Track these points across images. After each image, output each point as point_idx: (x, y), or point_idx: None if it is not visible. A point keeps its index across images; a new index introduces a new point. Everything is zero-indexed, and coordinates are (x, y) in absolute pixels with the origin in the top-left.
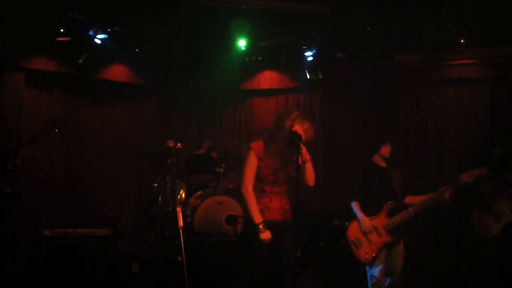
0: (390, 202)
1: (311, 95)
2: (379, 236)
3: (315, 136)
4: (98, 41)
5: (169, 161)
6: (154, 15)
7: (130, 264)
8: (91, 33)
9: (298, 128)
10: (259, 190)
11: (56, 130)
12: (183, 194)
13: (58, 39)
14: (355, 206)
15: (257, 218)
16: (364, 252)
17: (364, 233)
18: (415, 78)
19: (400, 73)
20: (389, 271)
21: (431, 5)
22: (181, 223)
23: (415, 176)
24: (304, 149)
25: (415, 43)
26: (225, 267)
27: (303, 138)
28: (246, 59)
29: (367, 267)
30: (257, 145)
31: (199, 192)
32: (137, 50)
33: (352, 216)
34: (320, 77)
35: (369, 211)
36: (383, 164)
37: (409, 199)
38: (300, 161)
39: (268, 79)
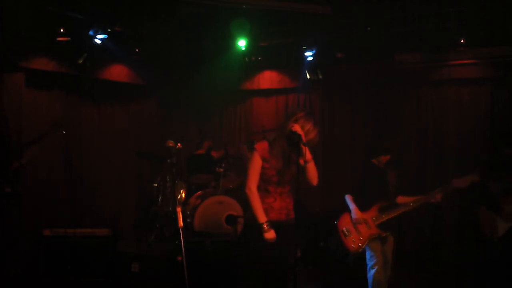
0: (382, 199)
1: (311, 95)
2: (368, 228)
3: (319, 137)
4: (98, 41)
5: (169, 161)
6: (154, 15)
7: (130, 264)
8: (91, 33)
9: (297, 128)
10: (263, 190)
11: (64, 132)
12: (183, 194)
13: (58, 39)
14: (348, 198)
15: (262, 217)
16: (352, 241)
17: (354, 224)
18: (415, 78)
19: (400, 73)
20: (387, 266)
21: (431, 5)
22: (181, 223)
23: (415, 176)
24: (305, 149)
25: (415, 43)
26: (225, 267)
27: (303, 138)
28: (246, 59)
29: (368, 267)
30: (261, 146)
31: (199, 192)
32: (137, 50)
33: (345, 208)
34: (320, 77)
35: (362, 206)
36: (381, 165)
37: (400, 199)
38: (302, 162)
39: (268, 79)
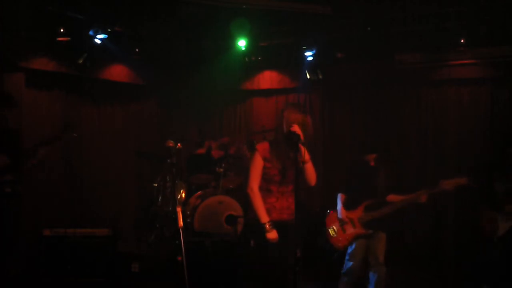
0: (369, 199)
1: (311, 95)
2: (354, 228)
3: (312, 127)
4: (98, 41)
5: (169, 161)
6: (154, 15)
7: (130, 264)
8: (91, 33)
9: (296, 128)
10: (265, 190)
11: (75, 135)
12: (183, 194)
13: (58, 39)
14: (339, 198)
15: (264, 217)
16: (338, 239)
17: (341, 223)
18: (415, 78)
19: (400, 73)
20: (375, 263)
21: (431, 5)
22: (181, 223)
23: (415, 176)
24: (303, 149)
25: (415, 43)
26: (225, 267)
27: (302, 137)
28: (246, 59)
29: (346, 260)
30: (262, 146)
31: (199, 192)
32: (137, 50)
33: (335, 207)
34: (320, 77)
35: (350, 204)
36: (372, 163)
37: (391, 197)
38: (300, 162)
39: (268, 79)
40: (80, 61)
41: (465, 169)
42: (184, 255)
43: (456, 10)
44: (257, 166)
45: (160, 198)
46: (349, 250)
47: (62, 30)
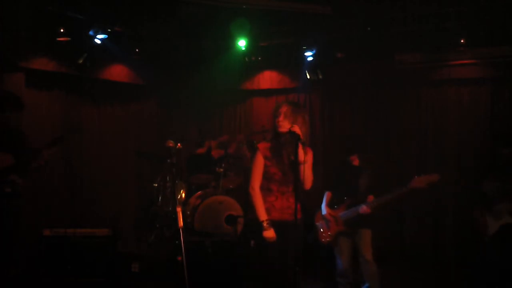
0: (351, 197)
1: (311, 95)
2: (336, 225)
3: (308, 125)
4: (98, 41)
5: (169, 161)
6: (154, 15)
7: (130, 264)
8: (91, 33)
9: (296, 128)
10: (266, 189)
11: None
12: (183, 194)
13: (58, 39)
14: (325, 196)
15: (262, 215)
16: (323, 236)
17: (325, 220)
18: (415, 78)
19: (400, 73)
20: (362, 261)
21: (431, 5)
22: (181, 223)
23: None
24: (301, 150)
25: (415, 43)
26: (225, 267)
27: (302, 137)
28: (246, 59)
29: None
30: (263, 145)
31: (199, 192)
32: (137, 50)
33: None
34: (320, 77)
35: (334, 202)
36: (355, 162)
37: (370, 198)
38: (299, 162)
39: (268, 79)
40: (80, 61)
41: (465, 169)
42: (184, 255)
43: (456, 10)
44: (258, 165)
45: (160, 198)
46: (335, 247)
47: (62, 30)
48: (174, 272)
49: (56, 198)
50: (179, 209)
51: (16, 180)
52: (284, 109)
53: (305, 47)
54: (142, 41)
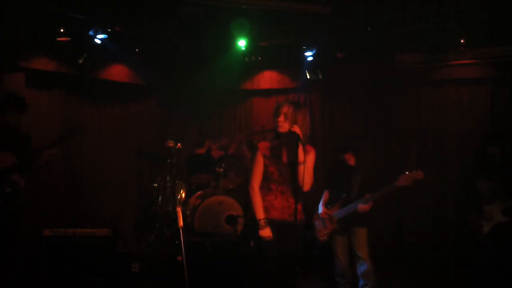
0: (345, 196)
1: (311, 95)
2: (331, 223)
3: (308, 124)
4: (98, 41)
5: (169, 161)
6: (154, 15)
7: (130, 264)
8: (91, 33)
9: (296, 128)
10: (266, 188)
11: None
12: (183, 194)
13: (58, 39)
14: (323, 195)
15: (259, 214)
16: (320, 234)
17: (322, 219)
18: (415, 78)
19: (400, 73)
20: (356, 258)
21: (431, 5)
22: (181, 223)
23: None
24: (300, 150)
25: (415, 43)
26: (225, 267)
27: (301, 137)
28: (246, 59)
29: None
30: (263, 144)
31: (199, 192)
32: (137, 50)
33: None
34: (320, 77)
35: (330, 201)
36: (352, 162)
37: (367, 196)
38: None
39: (268, 79)
40: (80, 61)
41: (465, 169)
42: (184, 255)
43: (456, 10)
44: (258, 164)
45: (160, 198)
46: (334, 248)
47: (62, 30)
48: (174, 272)
49: (56, 198)
50: (179, 209)
51: (17, 180)
52: (285, 109)
53: (305, 47)
54: (142, 41)
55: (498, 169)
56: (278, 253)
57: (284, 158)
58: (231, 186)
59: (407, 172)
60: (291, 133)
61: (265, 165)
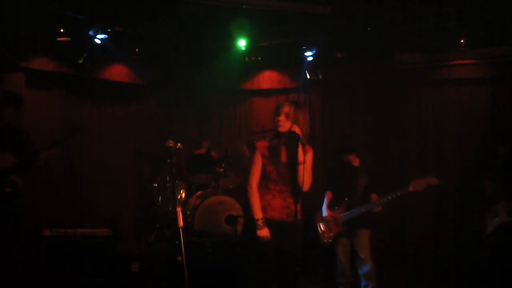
0: (350, 197)
1: (311, 95)
2: (337, 225)
3: (309, 130)
4: (98, 41)
5: (169, 161)
6: (154, 15)
7: (130, 264)
8: (91, 33)
9: (296, 128)
10: (264, 187)
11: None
12: (183, 194)
13: (58, 39)
14: (326, 196)
15: (257, 213)
16: (323, 236)
17: (326, 221)
18: (415, 78)
19: (400, 73)
20: (358, 260)
21: (431, 5)
22: (181, 223)
23: (415, 176)
24: (300, 151)
25: (415, 43)
26: (225, 267)
27: (301, 137)
28: (246, 59)
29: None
30: (262, 144)
31: (199, 192)
32: (137, 50)
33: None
34: (320, 77)
35: (334, 203)
36: (356, 163)
37: (373, 196)
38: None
39: (268, 79)
40: (80, 61)
41: (465, 169)
42: (184, 255)
43: (456, 10)
44: (256, 163)
45: (160, 198)
46: (333, 247)
47: (62, 30)
48: (174, 272)
49: (56, 198)
50: (179, 209)
51: (16, 180)
52: (286, 109)
53: (305, 47)
54: (142, 41)
55: (505, 169)
56: (277, 253)
57: (283, 158)
58: (231, 186)
59: (420, 177)
60: (291, 133)
61: (263, 165)
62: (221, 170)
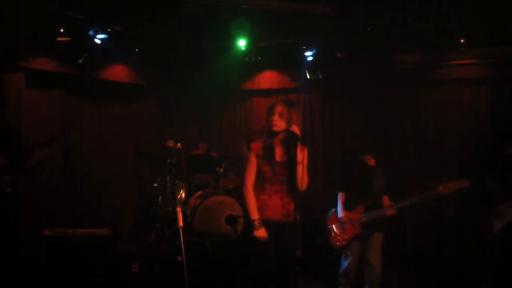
0: (367, 198)
1: (311, 95)
2: (353, 228)
3: (299, 120)
4: (98, 41)
5: (169, 161)
6: (154, 15)
7: (130, 264)
8: (91, 33)
9: (295, 128)
10: (260, 187)
11: (73, 136)
12: (183, 194)
13: (58, 39)
14: (339, 197)
15: (253, 214)
16: (337, 239)
17: (340, 223)
18: (415, 78)
19: (400, 73)
20: (366, 264)
21: (431, 5)
22: (181, 223)
23: (415, 176)
24: (300, 150)
25: (415, 43)
26: (225, 267)
27: (300, 137)
28: (246, 59)
29: (342, 259)
30: (256, 144)
31: (199, 192)
32: (137, 50)
33: (336, 206)
34: (320, 77)
35: (349, 204)
36: (372, 162)
37: (386, 201)
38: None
39: (268, 79)
40: (80, 61)
41: (465, 169)
42: (184, 255)
43: (456, 10)
44: (251, 164)
45: (160, 198)
46: (345, 249)
47: (62, 30)
48: (174, 272)
49: (56, 198)
50: (179, 209)
51: (7, 180)
52: (279, 108)
53: (305, 47)
54: (142, 41)
55: (509, 169)
56: (276, 253)
57: (278, 157)
58: (231, 186)
59: (449, 181)
60: (289, 133)
61: (258, 165)
62: (221, 170)
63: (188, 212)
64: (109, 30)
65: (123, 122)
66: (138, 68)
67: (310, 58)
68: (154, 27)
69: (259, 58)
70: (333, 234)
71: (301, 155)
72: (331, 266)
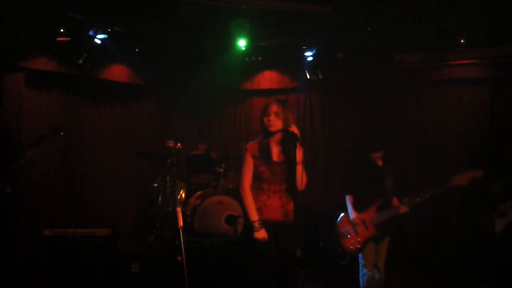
0: (380, 199)
1: (311, 95)
2: (366, 229)
3: (294, 120)
4: (98, 41)
5: (169, 161)
6: (154, 15)
7: (130, 264)
8: (91, 33)
9: (294, 128)
10: (258, 188)
11: (62, 133)
12: (183, 194)
13: (58, 39)
14: (348, 200)
15: (253, 215)
16: (350, 242)
17: (353, 225)
18: (415, 78)
19: (400, 73)
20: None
21: (431, 5)
22: (181, 223)
23: (415, 176)
24: (298, 150)
25: (415, 43)
26: (225, 267)
27: (299, 137)
28: (246, 59)
29: (360, 266)
30: (251, 145)
31: (199, 192)
32: (137, 50)
33: (345, 208)
34: (320, 77)
35: (359, 205)
36: (380, 162)
37: (395, 201)
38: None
39: (268, 79)
40: (80, 61)
41: (465, 169)
42: (184, 255)
43: (456, 10)
44: (247, 164)
45: (160, 198)
46: (361, 255)
47: (62, 30)
48: (174, 272)
49: (56, 198)
50: (179, 209)
51: (7, 180)
52: (274, 108)
53: (305, 47)
54: (142, 41)
55: (510, 168)
56: (277, 253)
57: (275, 157)
58: (231, 186)
59: (462, 172)
60: (288, 132)
61: (255, 166)
62: (221, 170)
63: (188, 212)
64: (109, 30)
65: (123, 122)
66: (138, 68)
67: (310, 58)
68: (154, 27)
69: (259, 58)
70: (347, 237)
71: (301, 155)
72: (331, 266)
